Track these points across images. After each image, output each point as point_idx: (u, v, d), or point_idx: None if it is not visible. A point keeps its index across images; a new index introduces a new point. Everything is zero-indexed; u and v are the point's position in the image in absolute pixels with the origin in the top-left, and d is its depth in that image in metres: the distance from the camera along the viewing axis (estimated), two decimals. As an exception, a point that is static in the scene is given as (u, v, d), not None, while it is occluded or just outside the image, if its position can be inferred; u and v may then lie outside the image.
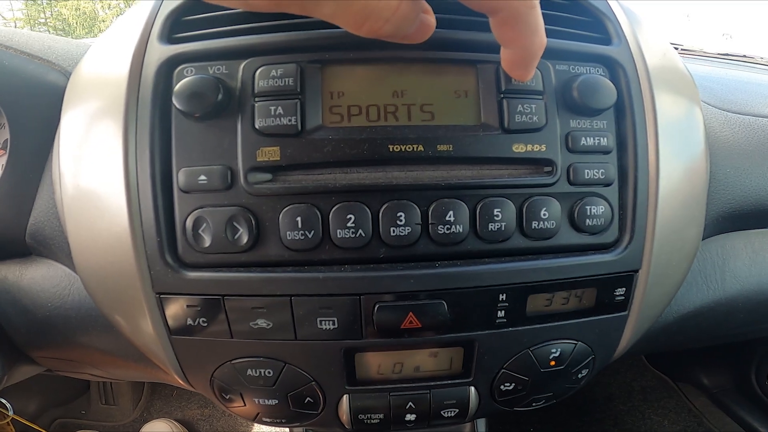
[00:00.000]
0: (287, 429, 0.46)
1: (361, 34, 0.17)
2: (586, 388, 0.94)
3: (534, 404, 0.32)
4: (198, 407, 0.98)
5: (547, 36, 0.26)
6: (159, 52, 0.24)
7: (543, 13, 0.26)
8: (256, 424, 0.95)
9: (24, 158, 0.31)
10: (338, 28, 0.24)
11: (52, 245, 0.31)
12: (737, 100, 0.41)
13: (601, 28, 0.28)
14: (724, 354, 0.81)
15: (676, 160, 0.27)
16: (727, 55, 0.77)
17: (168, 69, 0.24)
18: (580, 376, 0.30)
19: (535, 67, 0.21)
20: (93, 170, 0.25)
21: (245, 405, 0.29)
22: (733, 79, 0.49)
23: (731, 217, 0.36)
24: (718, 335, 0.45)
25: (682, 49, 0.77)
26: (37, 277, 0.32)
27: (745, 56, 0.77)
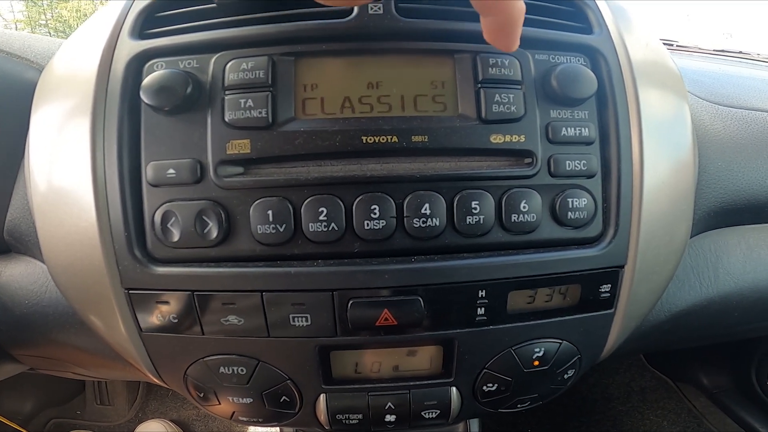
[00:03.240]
0: (278, 428, 0.45)
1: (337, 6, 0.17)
2: (585, 388, 0.93)
3: (519, 406, 0.31)
4: (193, 407, 0.98)
5: (527, 25, 0.25)
6: (129, 47, 0.24)
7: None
8: (251, 426, 0.94)
9: (0, 155, 0.31)
10: (311, 20, 0.24)
11: (28, 242, 0.31)
12: (729, 93, 0.40)
13: (581, 17, 0.27)
14: (723, 354, 0.80)
15: (662, 151, 0.26)
16: (723, 51, 0.76)
17: (138, 64, 0.24)
18: (566, 376, 0.29)
19: (518, 35, 0.20)
20: (61, 165, 0.25)
21: (220, 404, 0.28)
22: (726, 74, 0.48)
23: (724, 212, 0.35)
24: (712, 334, 0.44)
25: (677, 45, 0.76)
26: (15, 275, 0.32)
27: (741, 52, 0.75)
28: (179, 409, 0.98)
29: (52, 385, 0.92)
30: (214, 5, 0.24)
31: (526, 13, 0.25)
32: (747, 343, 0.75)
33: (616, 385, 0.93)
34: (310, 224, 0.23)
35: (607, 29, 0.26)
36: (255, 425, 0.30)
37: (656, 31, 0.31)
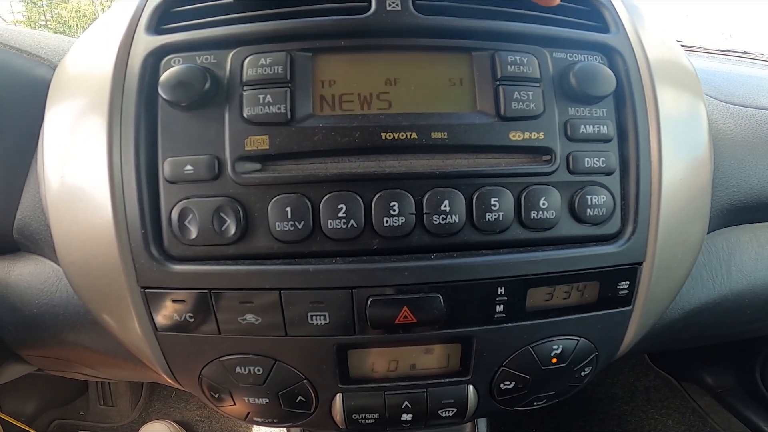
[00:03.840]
0: (285, 430, 0.45)
1: None
2: (589, 387, 0.93)
3: (535, 404, 0.31)
4: (197, 408, 0.97)
5: (544, 23, 0.25)
6: (146, 42, 0.24)
7: (539, 3, 0.26)
8: (255, 426, 0.94)
9: (10, 152, 0.30)
10: (329, 16, 0.24)
11: (39, 240, 0.30)
12: (739, 92, 0.40)
13: (598, 16, 0.27)
14: (728, 353, 0.80)
15: (680, 149, 0.26)
16: (727, 51, 0.76)
17: (155, 59, 0.24)
18: (583, 374, 0.29)
19: None
20: (76, 162, 0.25)
21: (235, 404, 0.28)
22: (734, 73, 0.49)
23: (736, 210, 0.35)
24: (724, 333, 0.44)
25: (681, 45, 0.76)
26: (25, 274, 0.31)
27: (745, 52, 0.76)
28: (183, 410, 0.97)
29: (55, 386, 0.92)
30: (231, 0, 0.24)
31: (543, 11, 0.26)
32: (751, 342, 0.75)
33: (621, 385, 0.93)
34: (329, 221, 0.23)
35: (624, 28, 0.27)
36: (269, 426, 0.30)
37: (671, 30, 0.32)
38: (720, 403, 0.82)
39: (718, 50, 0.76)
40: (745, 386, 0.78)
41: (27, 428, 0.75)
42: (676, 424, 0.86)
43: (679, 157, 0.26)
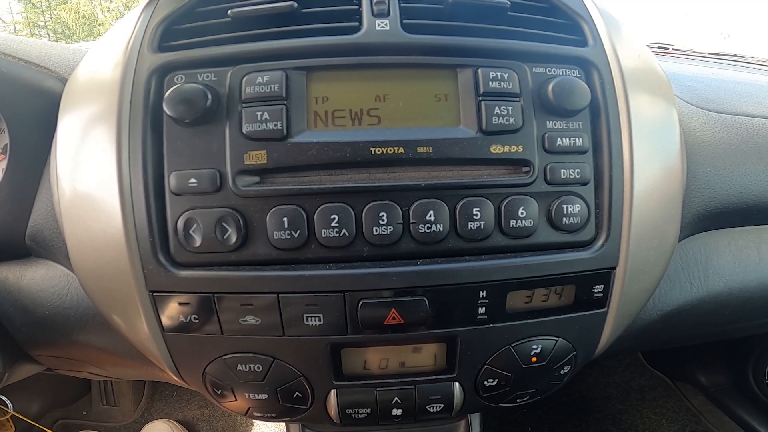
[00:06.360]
0: (284, 427, 0.47)
1: None
2: (584, 387, 0.94)
3: (518, 400, 0.32)
4: (198, 408, 0.99)
5: (524, 39, 0.27)
6: (150, 60, 0.25)
7: (520, 16, 0.27)
8: (255, 424, 0.95)
9: (23, 162, 0.32)
10: (322, 36, 0.26)
11: (51, 246, 0.32)
12: (720, 99, 0.41)
13: (577, 30, 0.28)
14: (721, 353, 0.81)
15: (652, 159, 0.28)
16: (718, 54, 0.78)
17: (159, 77, 0.26)
18: (562, 372, 0.31)
19: None
20: (88, 174, 0.26)
21: (236, 400, 0.29)
22: (718, 79, 0.50)
23: (713, 215, 0.37)
24: (704, 333, 0.45)
25: (672, 49, 0.78)
26: (37, 278, 0.33)
27: (735, 55, 0.77)
28: (184, 410, 0.99)
29: (58, 386, 0.93)
30: (229, 19, 0.26)
31: (524, 27, 0.27)
32: (743, 342, 0.77)
33: (615, 384, 0.94)
34: (323, 230, 0.24)
35: (601, 41, 0.28)
36: (268, 420, 0.31)
37: (646, 39, 0.32)
38: (713, 403, 0.83)
39: (709, 54, 0.78)
40: (738, 386, 0.79)
41: (35, 423, 0.77)
42: (670, 423, 0.87)
43: (651, 166, 0.28)
